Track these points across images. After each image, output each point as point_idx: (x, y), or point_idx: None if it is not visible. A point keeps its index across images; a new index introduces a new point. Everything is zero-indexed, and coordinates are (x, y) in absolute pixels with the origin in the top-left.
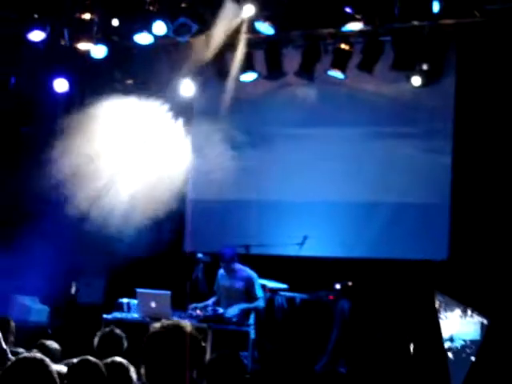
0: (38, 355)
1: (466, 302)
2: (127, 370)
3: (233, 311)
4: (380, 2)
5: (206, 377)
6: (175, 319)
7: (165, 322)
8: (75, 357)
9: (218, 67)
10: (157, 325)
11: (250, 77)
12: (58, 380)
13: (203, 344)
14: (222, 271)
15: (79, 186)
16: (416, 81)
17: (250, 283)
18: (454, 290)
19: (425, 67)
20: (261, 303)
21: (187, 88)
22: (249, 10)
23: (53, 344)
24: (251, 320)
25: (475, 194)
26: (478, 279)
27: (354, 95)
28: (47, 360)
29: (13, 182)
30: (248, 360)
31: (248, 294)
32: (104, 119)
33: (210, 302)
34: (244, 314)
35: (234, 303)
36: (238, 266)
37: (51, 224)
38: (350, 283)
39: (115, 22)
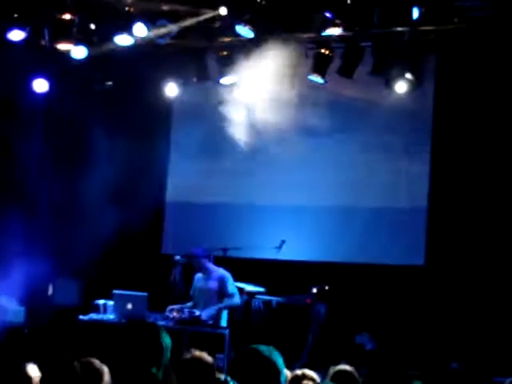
0: None
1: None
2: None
3: (210, 311)
4: (360, 8)
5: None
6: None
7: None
8: (51, 357)
9: (198, 69)
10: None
11: (230, 80)
12: None
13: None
14: (198, 275)
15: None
16: (399, 87)
17: (222, 281)
18: (430, 296)
19: (405, 74)
20: (236, 299)
21: (168, 89)
22: (223, 12)
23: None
24: (224, 322)
25: (453, 199)
26: (455, 285)
27: (334, 100)
28: None
29: None
30: (224, 362)
31: (222, 293)
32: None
33: (187, 305)
34: (217, 315)
35: (209, 304)
36: (212, 266)
37: (27, 224)
38: (326, 287)
39: (95, 24)
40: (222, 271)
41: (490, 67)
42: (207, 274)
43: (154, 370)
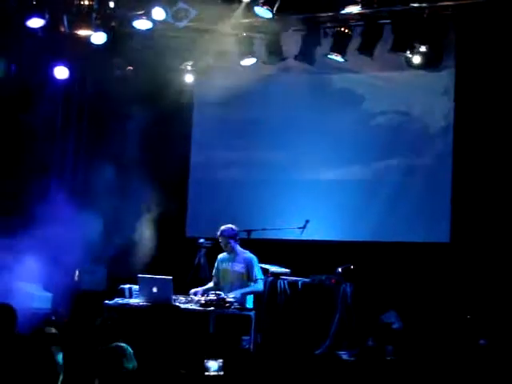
0: None
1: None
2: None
3: (234, 296)
4: None
5: None
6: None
7: None
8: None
9: (217, 52)
10: None
11: (249, 62)
12: None
13: None
14: (222, 256)
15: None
16: (416, 60)
17: (249, 265)
18: (456, 273)
19: (423, 49)
20: (260, 286)
21: (187, 74)
22: None
23: (51, 329)
24: (250, 304)
25: (477, 175)
26: (480, 262)
27: (355, 78)
28: None
29: (13, 170)
30: (250, 344)
31: (248, 276)
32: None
33: (209, 286)
34: (243, 298)
35: (234, 286)
36: (238, 248)
37: (52, 209)
38: (352, 267)
39: (114, 9)
40: (249, 254)
41: (510, 41)
42: (233, 255)
43: None
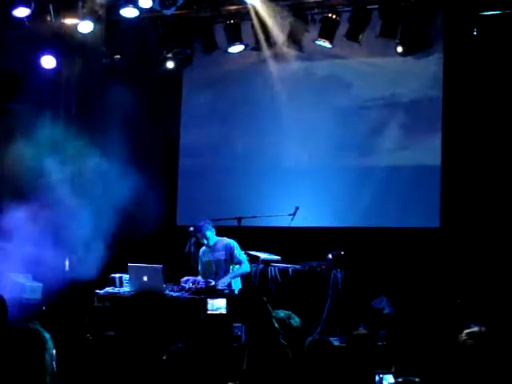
0: None
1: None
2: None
3: (225, 281)
4: None
5: None
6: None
7: None
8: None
9: (205, 39)
10: None
11: (237, 48)
12: None
13: None
14: (202, 249)
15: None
16: (407, 50)
17: (229, 250)
18: (447, 258)
19: (413, 35)
20: (246, 267)
21: (175, 60)
22: None
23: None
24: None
25: (467, 160)
26: (471, 246)
27: (343, 64)
28: None
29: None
30: (241, 331)
31: (231, 260)
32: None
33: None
34: (229, 284)
35: (220, 274)
36: (216, 238)
37: (41, 200)
38: (342, 253)
39: None
40: (227, 240)
41: (498, 25)
42: (212, 245)
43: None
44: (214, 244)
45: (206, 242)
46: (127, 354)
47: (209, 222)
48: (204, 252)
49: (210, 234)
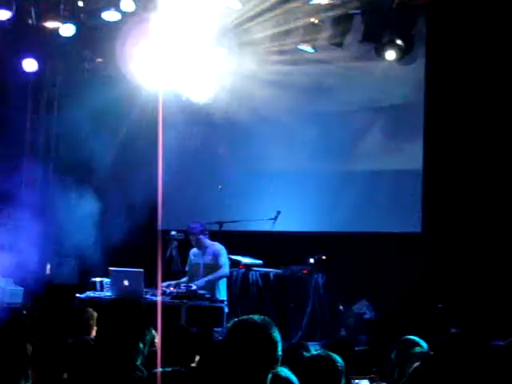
0: None
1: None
2: None
3: (199, 283)
4: None
5: None
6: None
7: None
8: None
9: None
10: None
11: (222, 53)
12: None
13: None
14: (193, 250)
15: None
16: (389, 55)
17: (217, 255)
18: (428, 263)
19: (395, 40)
20: (223, 270)
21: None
22: None
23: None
24: (224, 296)
25: (449, 164)
26: (452, 251)
27: (326, 68)
28: None
29: None
30: (223, 335)
31: (217, 266)
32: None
33: (183, 280)
34: (213, 288)
35: None
36: (208, 242)
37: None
38: (323, 257)
39: (82, 0)
40: (217, 245)
41: (481, 29)
42: (203, 249)
43: (141, 346)
44: (206, 248)
45: (197, 244)
46: (105, 359)
47: (203, 224)
48: (194, 254)
49: (203, 237)
